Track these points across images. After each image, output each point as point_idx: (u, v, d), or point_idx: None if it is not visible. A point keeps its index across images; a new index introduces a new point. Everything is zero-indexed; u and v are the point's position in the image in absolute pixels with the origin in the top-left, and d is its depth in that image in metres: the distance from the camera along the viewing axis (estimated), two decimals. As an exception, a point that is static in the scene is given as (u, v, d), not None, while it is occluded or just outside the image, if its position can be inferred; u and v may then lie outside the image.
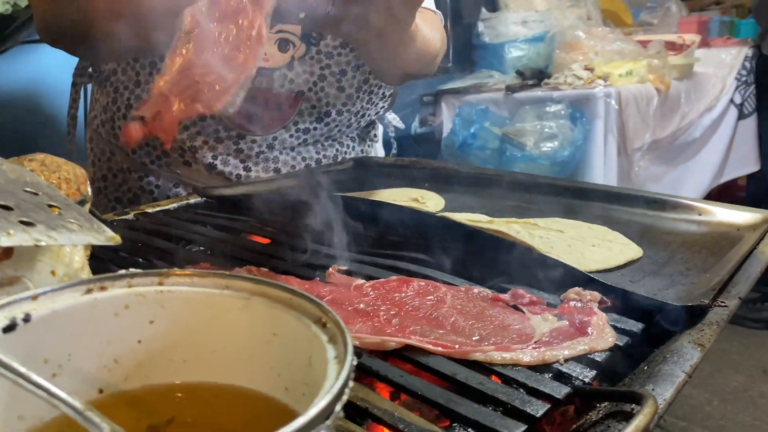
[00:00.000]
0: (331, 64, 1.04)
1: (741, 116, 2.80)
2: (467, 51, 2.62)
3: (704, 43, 2.84)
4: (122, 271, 0.35)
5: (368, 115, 1.18)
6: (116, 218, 0.86)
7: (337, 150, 1.16)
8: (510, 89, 2.29)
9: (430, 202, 0.93)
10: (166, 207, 0.91)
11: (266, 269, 0.61)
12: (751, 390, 2.32)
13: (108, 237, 0.37)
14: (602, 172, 2.14)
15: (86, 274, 0.41)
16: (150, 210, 0.89)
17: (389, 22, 0.78)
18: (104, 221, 0.83)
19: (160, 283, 0.35)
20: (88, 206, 0.43)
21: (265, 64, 0.99)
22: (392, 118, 1.32)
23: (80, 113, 1.15)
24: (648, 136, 2.29)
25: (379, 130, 1.29)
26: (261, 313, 0.34)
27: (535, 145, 2.06)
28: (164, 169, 1.06)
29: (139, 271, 0.35)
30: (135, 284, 0.34)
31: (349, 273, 0.61)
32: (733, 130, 2.78)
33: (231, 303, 0.34)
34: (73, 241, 0.35)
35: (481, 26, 2.56)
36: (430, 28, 1.05)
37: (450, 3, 2.58)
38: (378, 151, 1.29)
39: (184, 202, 0.93)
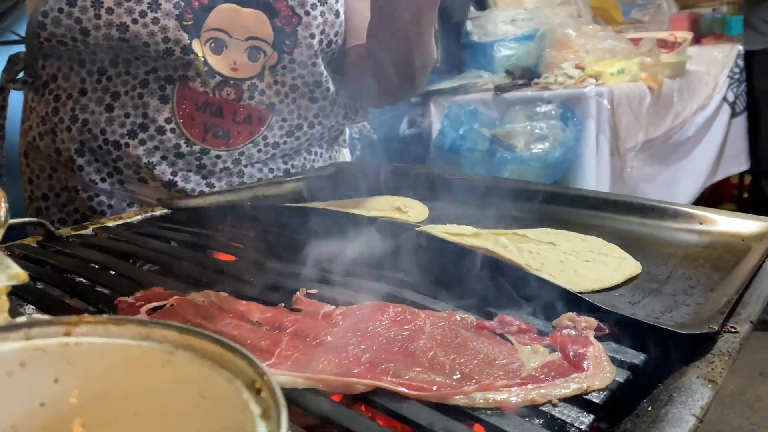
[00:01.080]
0: (304, 74, 0.98)
1: (734, 114, 2.76)
2: (456, 50, 2.57)
3: (696, 41, 2.79)
4: (21, 319, 0.29)
5: (340, 128, 1.13)
6: (73, 233, 0.79)
7: (305, 158, 1.10)
8: (499, 89, 2.23)
9: (413, 211, 0.87)
10: (129, 220, 0.84)
11: (225, 293, 0.55)
12: (747, 393, 2.27)
13: (11, 275, 0.31)
14: (594, 172, 2.09)
15: (-4, 313, 0.35)
16: (111, 224, 0.83)
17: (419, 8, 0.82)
18: (58, 237, 0.77)
19: (67, 334, 0.29)
20: (1, 232, 0.37)
21: (233, 73, 0.93)
22: (362, 126, 1.26)
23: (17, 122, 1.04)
24: (641, 136, 2.24)
25: (346, 133, 1.23)
26: (187, 370, 0.28)
27: (526, 147, 2.01)
28: (117, 187, 0.97)
29: (40, 318, 0.29)
30: (34, 335, 0.28)
31: (319, 296, 0.55)
32: (727, 128, 2.74)
33: (152, 357, 0.28)
34: (-39, 283, 0.29)
35: (469, 25, 2.51)
36: None
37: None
38: (345, 155, 1.23)
39: (149, 214, 0.87)
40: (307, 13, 0.94)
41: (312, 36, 0.95)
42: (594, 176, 2.08)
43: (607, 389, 0.42)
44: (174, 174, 0.96)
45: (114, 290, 0.60)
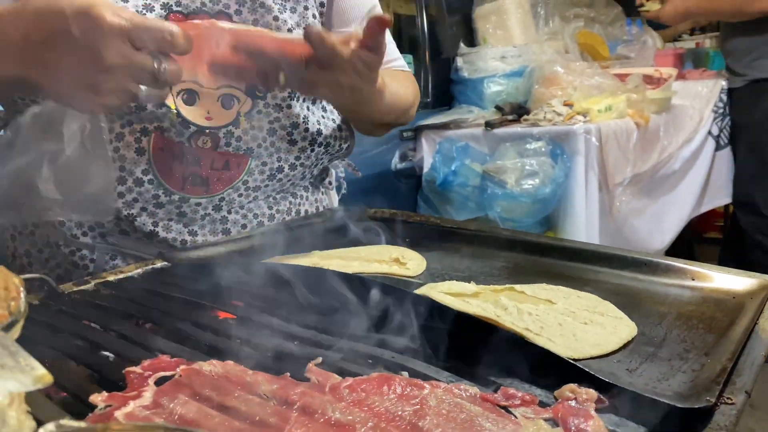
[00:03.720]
0: (280, 117, 0.98)
1: (718, 147, 2.81)
2: (446, 86, 2.61)
3: (680, 76, 2.85)
4: (51, 427, 0.30)
5: (322, 165, 1.14)
6: (75, 288, 0.80)
7: (290, 203, 1.10)
8: (489, 125, 2.26)
9: (412, 262, 0.89)
10: (130, 274, 0.85)
11: (231, 362, 0.56)
12: (738, 426, 2.28)
13: (36, 378, 0.32)
14: (584, 208, 2.12)
15: (16, 408, 0.36)
16: (112, 278, 0.83)
17: (357, 81, 0.79)
18: (60, 293, 0.78)
19: (95, 442, 0.29)
20: (20, 325, 0.38)
21: (208, 122, 0.93)
22: (346, 164, 1.28)
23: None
24: (629, 171, 2.28)
25: (333, 176, 1.24)
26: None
27: (517, 183, 2.04)
28: (98, 240, 0.97)
29: (70, 425, 0.30)
30: (64, 445, 0.29)
31: (324, 364, 0.56)
32: (711, 161, 2.79)
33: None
34: (-9, 393, 0.29)
35: (459, 61, 2.55)
36: (400, 84, 1.06)
37: (428, 38, 2.57)
38: (333, 198, 1.24)
39: (150, 267, 0.88)
40: None
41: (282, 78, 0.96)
42: (583, 212, 2.11)
43: (610, 468, 0.43)
44: (155, 224, 0.97)
45: (120, 355, 0.60)
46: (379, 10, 1.13)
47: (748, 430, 2.25)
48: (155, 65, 0.65)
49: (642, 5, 2.71)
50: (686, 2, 2.55)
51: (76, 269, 0.98)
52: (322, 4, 1.04)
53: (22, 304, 0.39)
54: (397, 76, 1.10)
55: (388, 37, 1.14)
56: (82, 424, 0.29)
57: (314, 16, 1.02)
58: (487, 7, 2.72)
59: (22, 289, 0.39)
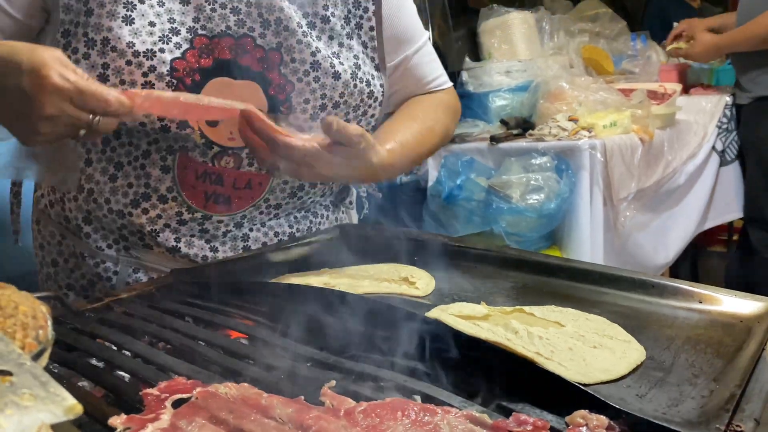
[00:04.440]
0: None
1: (723, 163, 2.82)
2: (452, 100, 2.62)
3: (685, 91, 2.87)
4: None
5: (345, 186, 1.15)
6: (89, 306, 0.81)
7: (311, 222, 1.11)
8: (494, 139, 2.27)
9: (421, 282, 0.90)
10: (142, 291, 0.86)
11: (246, 384, 0.57)
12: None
13: (66, 409, 0.33)
14: (589, 223, 2.12)
15: (44, 435, 0.37)
16: (125, 295, 0.84)
17: (347, 168, 0.87)
18: (75, 312, 0.79)
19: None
20: (48, 353, 0.39)
21: (232, 143, 0.95)
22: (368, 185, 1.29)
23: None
24: (633, 186, 2.28)
25: (353, 195, 1.25)
26: None
27: (522, 198, 2.04)
28: (122, 253, 1.00)
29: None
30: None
31: (338, 387, 0.57)
32: (716, 177, 2.80)
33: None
34: (24, 425, 0.30)
35: (465, 75, 2.57)
36: (425, 121, 1.09)
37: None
38: (352, 217, 1.25)
39: (162, 283, 0.89)
40: (300, 80, 0.97)
41: (306, 101, 0.98)
42: (588, 226, 2.11)
43: (622, 496, 0.44)
44: (177, 240, 0.98)
45: (135, 376, 0.61)
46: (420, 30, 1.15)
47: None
48: (90, 118, 0.72)
49: (672, 44, 2.77)
50: (715, 38, 2.59)
51: (99, 281, 1.00)
52: (372, 28, 1.05)
53: (50, 333, 0.40)
54: (424, 107, 1.12)
55: (431, 53, 1.17)
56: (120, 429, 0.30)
57: (351, 36, 1.03)
58: (493, 22, 2.74)
59: (48, 317, 0.40)
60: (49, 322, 0.40)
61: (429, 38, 1.18)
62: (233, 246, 1.03)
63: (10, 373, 0.33)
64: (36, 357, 0.37)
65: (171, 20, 0.89)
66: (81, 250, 1.00)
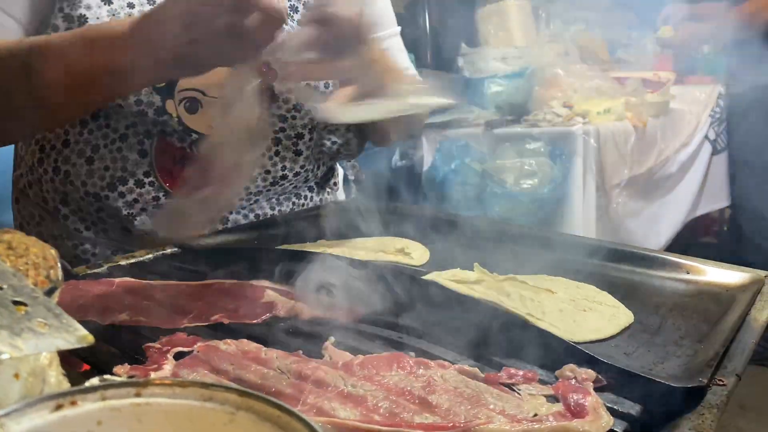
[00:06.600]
0: (285, 127, 0.99)
1: (715, 152, 2.85)
2: (447, 85, 2.63)
3: (679, 80, 2.88)
4: (95, 381, 0.32)
5: (329, 169, 1.15)
6: (88, 271, 0.82)
7: (293, 203, 1.11)
8: (490, 125, 2.29)
9: (416, 253, 0.91)
10: (142, 259, 0.87)
11: (246, 340, 0.58)
12: (728, 427, 2.31)
13: (79, 337, 0.34)
14: (581, 208, 2.14)
15: (55, 369, 0.38)
16: (124, 263, 0.85)
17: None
18: (75, 275, 0.80)
19: (137, 395, 0.32)
20: (58, 293, 0.40)
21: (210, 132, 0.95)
22: (350, 165, 1.29)
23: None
24: (626, 173, 2.31)
25: (339, 176, 1.25)
26: (248, 429, 0.31)
27: (516, 182, 2.06)
28: (101, 236, 0.99)
29: (113, 379, 0.32)
30: (109, 396, 0.32)
31: (336, 342, 0.59)
32: (707, 166, 2.83)
33: (215, 417, 0.32)
34: (40, 348, 0.32)
35: (461, 61, 2.58)
36: None
37: (430, 38, 2.60)
38: (338, 198, 1.25)
39: (160, 252, 0.90)
40: None
41: (288, 90, 0.96)
42: (581, 212, 2.14)
43: (606, 440, 0.46)
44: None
45: (138, 334, 0.63)
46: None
47: (738, 430, 2.29)
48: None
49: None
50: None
51: (79, 262, 0.99)
52: None
53: (60, 273, 0.41)
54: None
55: (401, 45, 1.17)
56: (125, 378, 0.32)
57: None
58: (489, 9, 2.75)
59: (57, 258, 0.41)
60: (59, 263, 0.41)
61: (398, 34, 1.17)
62: (212, 230, 1.03)
63: (25, 304, 0.34)
64: (48, 293, 0.39)
65: (151, 1, 0.89)
66: (59, 231, 0.99)
